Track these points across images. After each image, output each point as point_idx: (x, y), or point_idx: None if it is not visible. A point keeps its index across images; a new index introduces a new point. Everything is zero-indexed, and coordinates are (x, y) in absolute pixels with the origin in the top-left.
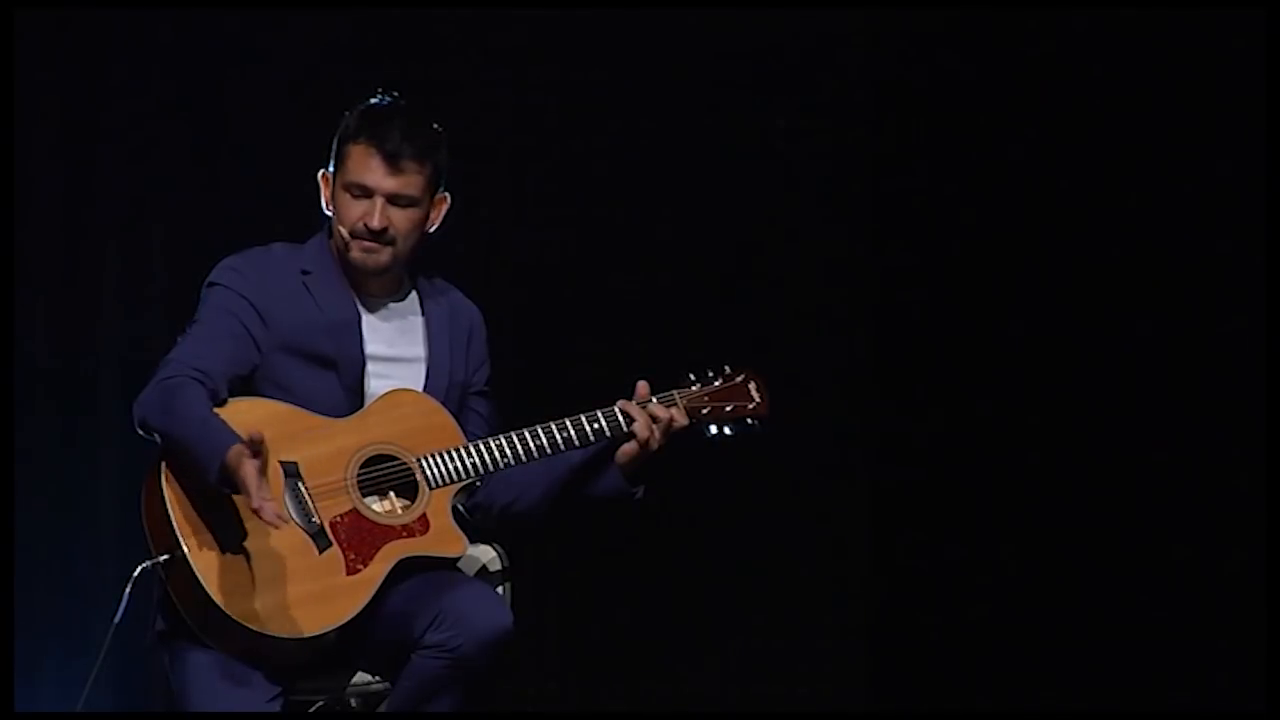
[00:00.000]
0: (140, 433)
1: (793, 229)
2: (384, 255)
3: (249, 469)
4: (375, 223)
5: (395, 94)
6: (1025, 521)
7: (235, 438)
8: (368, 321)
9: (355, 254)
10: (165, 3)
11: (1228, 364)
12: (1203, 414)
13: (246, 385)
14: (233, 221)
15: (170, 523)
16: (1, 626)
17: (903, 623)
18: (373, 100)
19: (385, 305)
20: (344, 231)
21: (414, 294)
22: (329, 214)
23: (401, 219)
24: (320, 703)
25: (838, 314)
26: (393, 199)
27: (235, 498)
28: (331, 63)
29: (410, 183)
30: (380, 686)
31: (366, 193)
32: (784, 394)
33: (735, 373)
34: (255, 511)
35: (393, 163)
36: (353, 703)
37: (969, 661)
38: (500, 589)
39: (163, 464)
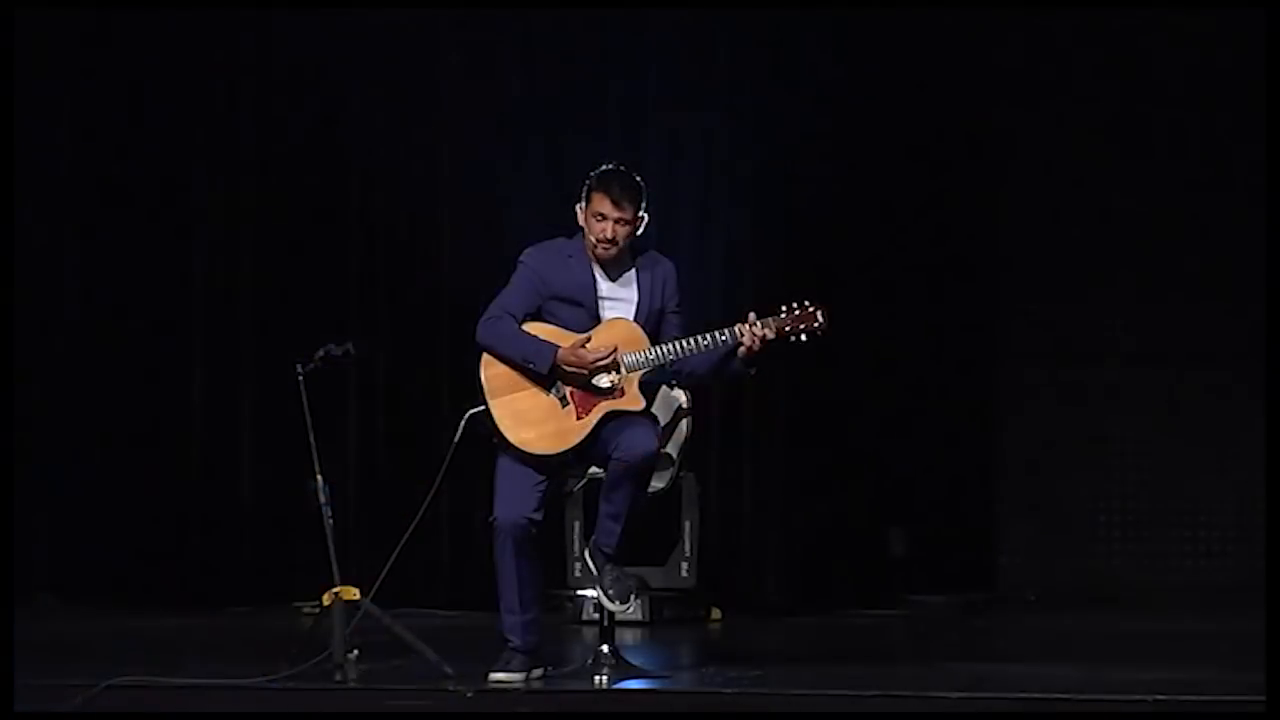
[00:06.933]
0: (483, 350)
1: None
2: (612, 250)
3: (582, 351)
4: (608, 235)
5: (616, 163)
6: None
7: (553, 345)
8: (602, 281)
9: (599, 251)
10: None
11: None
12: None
13: (535, 316)
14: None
15: (483, 392)
16: (1, 627)
17: None
18: (605, 167)
19: (614, 272)
20: (593, 239)
21: (632, 265)
22: (584, 226)
23: (621, 231)
24: (575, 486)
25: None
26: (617, 221)
27: (516, 380)
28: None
29: (624, 211)
30: (599, 474)
31: (603, 218)
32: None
33: (809, 305)
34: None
35: (616, 202)
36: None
37: None
38: (684, 422)
39: (480, 366)
